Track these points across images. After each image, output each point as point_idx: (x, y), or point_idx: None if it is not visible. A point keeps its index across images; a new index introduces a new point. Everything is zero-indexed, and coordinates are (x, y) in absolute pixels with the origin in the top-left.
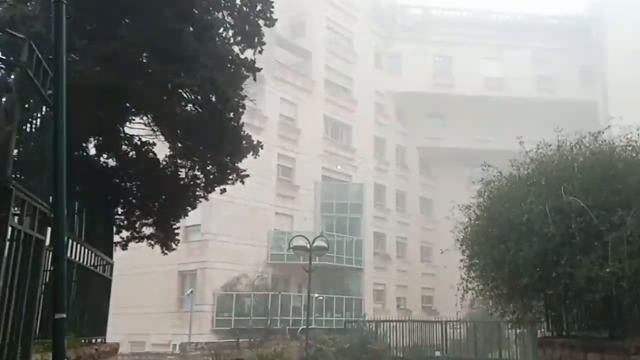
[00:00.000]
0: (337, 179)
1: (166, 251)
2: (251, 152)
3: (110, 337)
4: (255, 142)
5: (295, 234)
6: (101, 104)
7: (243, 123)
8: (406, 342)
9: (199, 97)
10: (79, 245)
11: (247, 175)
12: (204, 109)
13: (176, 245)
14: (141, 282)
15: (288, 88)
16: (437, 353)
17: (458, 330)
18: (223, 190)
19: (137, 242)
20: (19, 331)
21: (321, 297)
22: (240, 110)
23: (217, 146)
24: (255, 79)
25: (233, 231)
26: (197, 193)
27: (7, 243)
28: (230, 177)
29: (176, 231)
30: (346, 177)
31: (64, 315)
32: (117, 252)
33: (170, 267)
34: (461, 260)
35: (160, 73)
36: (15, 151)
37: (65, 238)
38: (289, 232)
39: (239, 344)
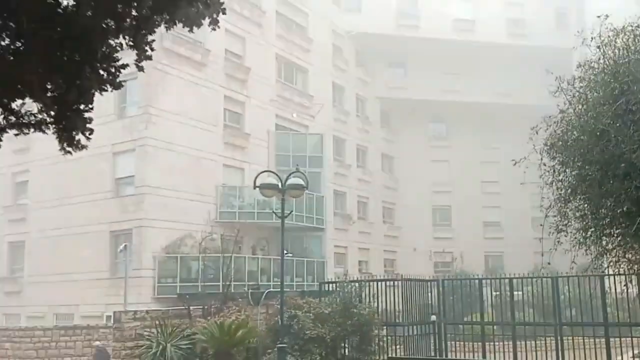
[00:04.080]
0: (293, 128)
1: (69, 148)
2: None
3: (33, 309)
4: None
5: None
6: None
7: None
8: (398, 305)
9: None
10: None
11: None
12: None
13: (88, 138)
14: (66, 246)
15: (234, 18)
16: (433, 317)
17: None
18: (190, 30)
19: (18, 134)
20: None
21: (290, 254)
22: None
23: None
24: None
25: (174, 184)
26: (124, 38)
27: None
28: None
29: (86, 115)
30: (302, 128)
31: None
32: (34, 211)
33: (99, 227)
34: (549, 172)
35: None
36: None
37: None
38: (240, 186)
39: (190, 312)
